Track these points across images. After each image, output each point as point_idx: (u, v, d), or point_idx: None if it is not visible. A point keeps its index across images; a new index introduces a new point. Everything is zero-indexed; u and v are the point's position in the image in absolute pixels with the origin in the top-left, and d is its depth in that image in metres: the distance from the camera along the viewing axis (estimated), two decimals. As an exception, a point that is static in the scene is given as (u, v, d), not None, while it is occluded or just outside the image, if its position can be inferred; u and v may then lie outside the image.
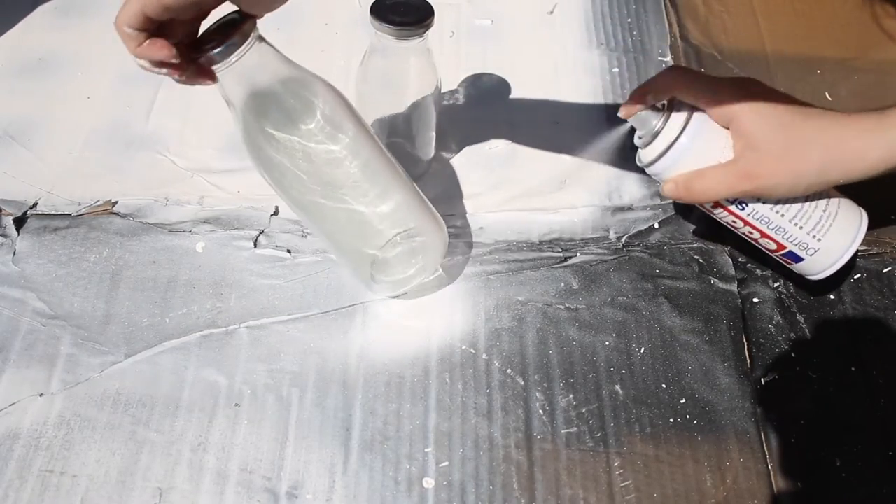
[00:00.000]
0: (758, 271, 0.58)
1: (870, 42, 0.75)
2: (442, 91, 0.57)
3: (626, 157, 0.64)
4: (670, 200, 0.61)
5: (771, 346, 0.54)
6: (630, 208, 0.61)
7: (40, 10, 0.74)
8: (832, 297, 0.56)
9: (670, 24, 0.75)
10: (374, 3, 0.49)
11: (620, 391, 0.51)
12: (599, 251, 0.58)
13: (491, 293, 0.55)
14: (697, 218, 0.60)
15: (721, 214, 0.51)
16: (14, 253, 0.56)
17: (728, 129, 0.48)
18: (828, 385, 0.52)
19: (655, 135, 0.49)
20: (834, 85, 0.70)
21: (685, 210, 0.61)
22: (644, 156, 0.50)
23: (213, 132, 0.64)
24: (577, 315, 0.55)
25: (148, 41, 0.36)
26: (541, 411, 0.50)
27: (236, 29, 0.38)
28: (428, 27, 0.49)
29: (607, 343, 0.53)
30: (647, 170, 0.51)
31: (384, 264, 0.49)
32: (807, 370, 0.53)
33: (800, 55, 0.73)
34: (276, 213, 0.59)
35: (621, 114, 0.49)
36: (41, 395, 0.49)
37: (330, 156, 0.42)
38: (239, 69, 0.38)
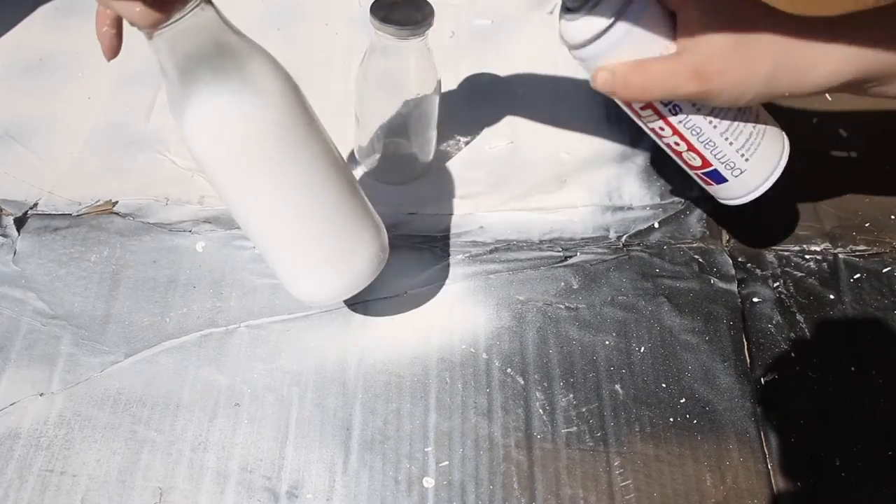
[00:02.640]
0: (758, 271, 0.58)
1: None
2: (442, 91, 0.57)
3: (626, 156, 0.64)
4: (669, 200, 0.61)
5: (771, 345, 0.54)
6: (630, 208, 0.61)
7: (41, 10, 0.74)
8: (832, 296, 0.56)
9: (670, 24, 0.75)
10: (373, 2, 0.49)
11: (620, 391, 0.51)
12: (599, 251, 0.58)
13: (491, 292, 0.55)
14: (697, 217, 0.60)
15: (650, 119, 0.45)
16: (14, 253, 0.56)
17: (674, 16, 0.42)
18: (828, 385, 0.52)
19: (592, 6, 0.40)
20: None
21: (684, 210, 0.61)
22: (572, 32, 0.41)
23: (213, 132, 0.64)
24: (577, 314, 0.55)
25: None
26: (541, 411, 0.50)
27: None
28: (428, 27, 0.49)
29: (607, 342, 0.53)
30: (574, 52, 0.42)
31: (306, 270, 0.44)
32: (806, 370, 0.53)
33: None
34: (276, 212, 0.59)
35: None
36: (41, 394, 0.49)
37: (253, 139, 0.38)
38: (175, 31, 0.37)
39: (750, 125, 0.45)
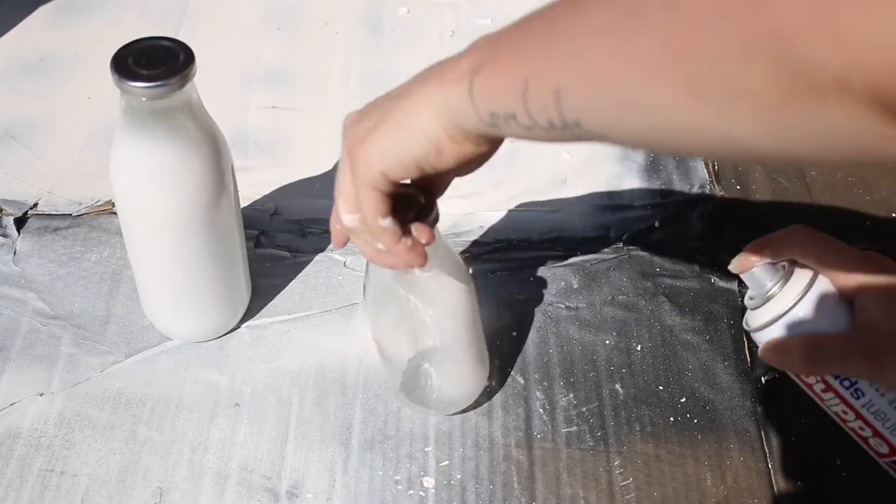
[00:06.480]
0: (758, 270, 0.57)
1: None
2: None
3: (626, 155, 0.64)
4: (670, 199, 0.61)
5: (771, 344, 0.54)
6: (630, 207, 0.61)
7: (41, 10, 0.74)
8: (833, 295, 0.56)
9: (670, 23, 0.75)
10: None
11: (620, 390, 0.51)
12: (600, 250, 0.58)
13: (491, 292, 0.55)
14: (698, 217, 0.60)
15: (831, 401, 0.43)
16: (14, 253, 0.56)
17: (852, 302, 0.41)
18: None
19: (767, 298, 0.42)
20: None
21: (684, 209, 0.61)
22: (751, 319, 0.44)
23: (213, 132, 0.64)
24: (578, 314, 0.55)
25: (411, 242, 0.38)
26: (541, 410, 0.50)
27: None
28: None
29: (607, 342, 0.53)
30: (753, 335, 0.44)
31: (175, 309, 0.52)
32: (807, 369, 0.53)
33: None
34: (275, 213, 0.59)
35: (733, 267, 0.44)
36: (41, 394, 0.49)
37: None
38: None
39: None
